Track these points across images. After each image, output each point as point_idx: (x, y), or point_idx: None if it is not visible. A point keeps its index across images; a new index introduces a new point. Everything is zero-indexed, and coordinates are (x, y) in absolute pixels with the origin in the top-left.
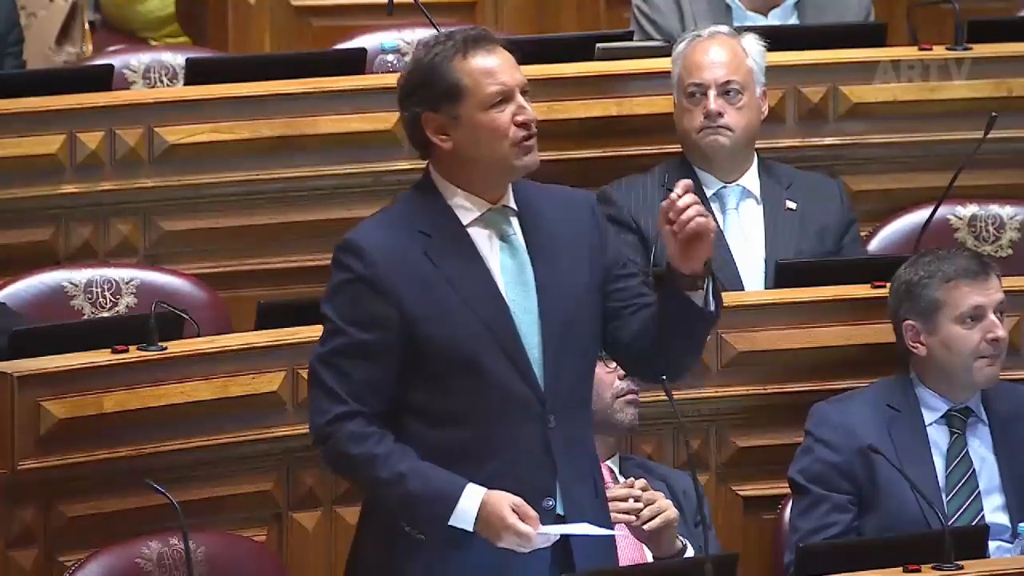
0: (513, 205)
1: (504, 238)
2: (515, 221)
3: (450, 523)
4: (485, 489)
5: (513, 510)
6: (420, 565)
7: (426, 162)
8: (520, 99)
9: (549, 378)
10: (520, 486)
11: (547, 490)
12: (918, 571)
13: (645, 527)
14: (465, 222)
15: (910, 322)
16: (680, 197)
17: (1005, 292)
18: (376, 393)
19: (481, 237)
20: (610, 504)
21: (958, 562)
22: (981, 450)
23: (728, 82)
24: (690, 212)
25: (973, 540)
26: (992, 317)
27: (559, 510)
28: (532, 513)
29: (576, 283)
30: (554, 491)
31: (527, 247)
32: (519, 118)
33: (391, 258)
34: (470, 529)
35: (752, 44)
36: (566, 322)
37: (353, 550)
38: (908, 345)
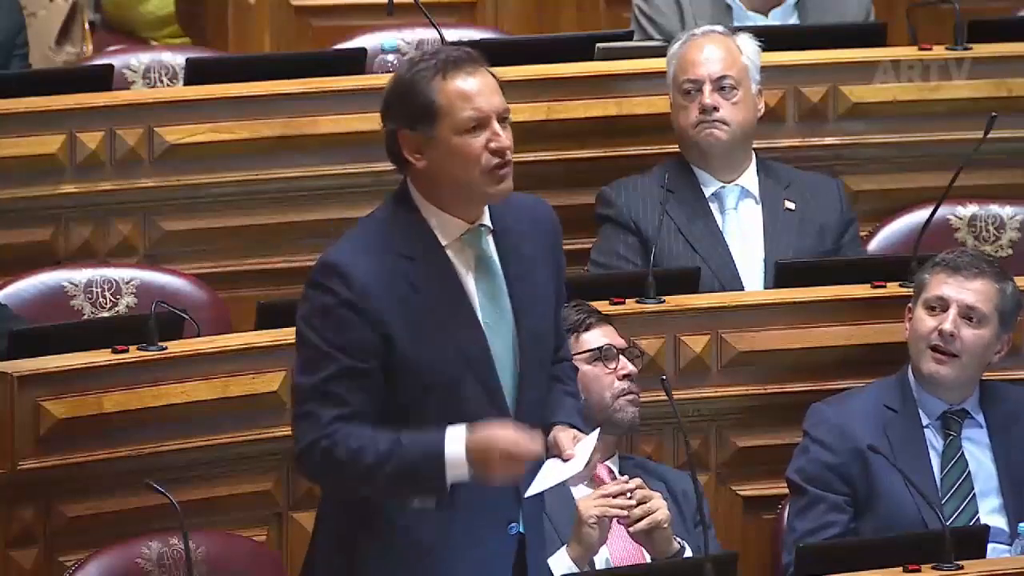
0: (489, 223)
1: (481, 259)
2: (490, 240)
3: (449, 483)
4: (464, 434)
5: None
6: None
7: (404, 175)
8: (496, 126)
9: (518, 404)
10: (485, 513)
11: (512, 515)
12: (918, 571)
13: (632, 528)
14: (444, 243)
15: (910, 304)
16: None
17: None
18: (362, 416)
19: (459, 259)
20: (602, 500)
21: (958, 562)
22: (977, 452)
23: (723, 77)
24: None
25: (973, 540)
26: (951, 311)
27: (521, 530)
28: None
29: (545, 306)
30: (518, 515)
31: (502, 265)
32: (492, 145)
33: (375, 283)
34: (467, 478)
35: (747, 43)
36: (536, 347)
37: (307, 563)
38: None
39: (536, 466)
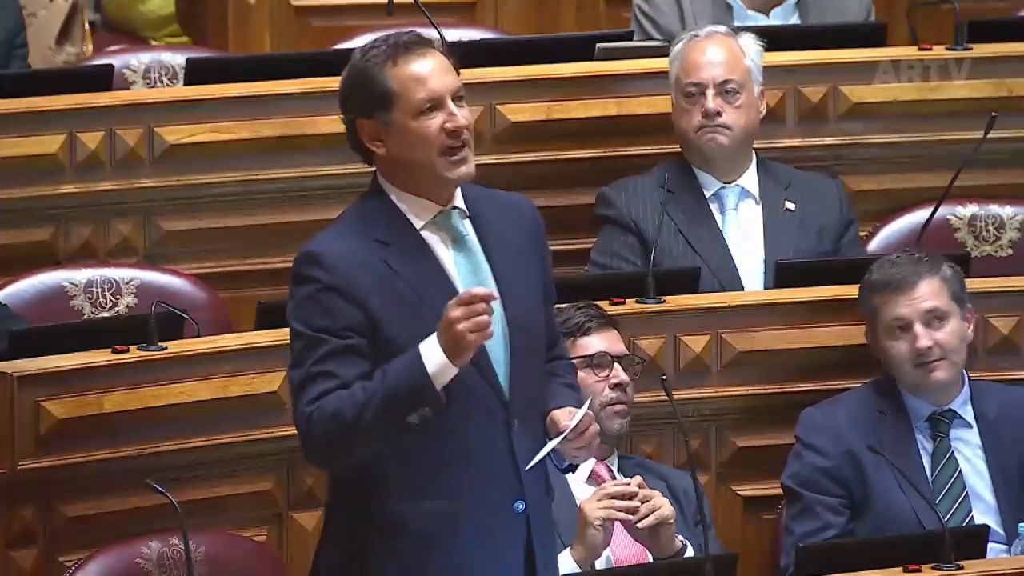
0: (463, 207)
1: (458, 240)
2: (467, 222)
3: (437, 386)
4: (432, 337)
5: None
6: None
7: (373, 170)
8: (451, 106)
9: (513, 382)
10: (488, 492)
11: (515, 494)
12: (918, 571)
13: (639, 525)
14: (418, 226)
15: (867, 333)
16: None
17: (1005, 292)
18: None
19: (435, 240)
20: (607, 502)
21: (958, 562)
22: (968, 452)
23: (726, 81)
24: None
25: (972, 540)
26: (917, 328)
27: (525, 510)
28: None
29: (531, 284)
30: (521, 494)
31: (482, 248)
32: (448, 125)
33: (352, 265)
34: (454, 370)
35: (749, 43)
36: (526, 323)
37: (315, 562)
38: (873, 352)
39: (538, 445)
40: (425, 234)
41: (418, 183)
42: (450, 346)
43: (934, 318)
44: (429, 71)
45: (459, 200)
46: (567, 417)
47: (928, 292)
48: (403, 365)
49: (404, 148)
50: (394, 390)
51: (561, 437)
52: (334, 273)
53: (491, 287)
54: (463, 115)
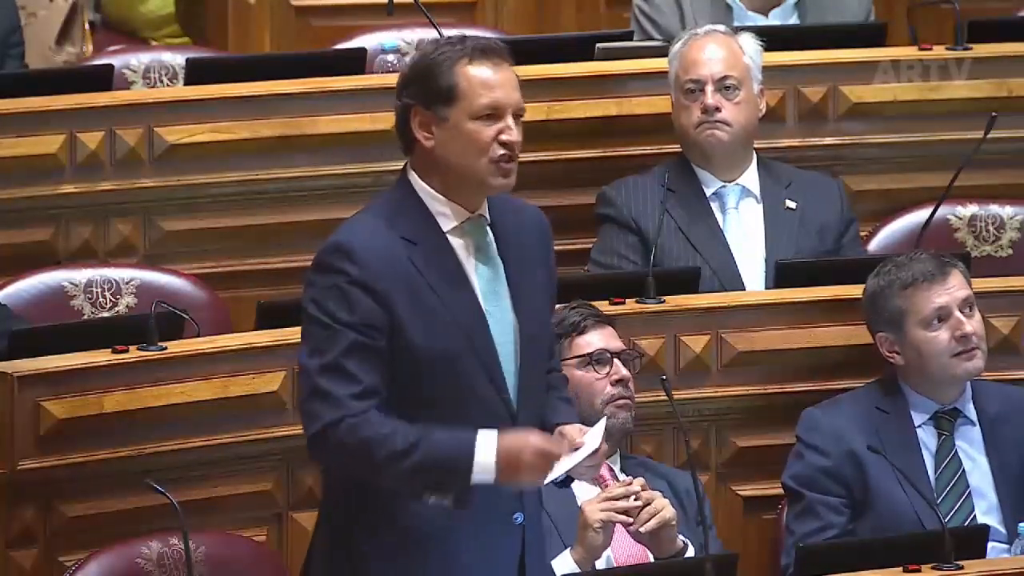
0: (487, 215)
1: (480, 248)
2: (489, 231)
3: (473, 480)
4: (495, 435)
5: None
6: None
7: (404, 163)
8: (509, 120)
9: (520, 392)
10: (489, 501)
11: (515, 504)
12: (918, 571)
13: (641, 529)
14: (445, 229)
15: (882, 334)
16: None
17: (1005, 292)
18: (375, 394)
19: (460, 246)
20: (608, 504)
21: (958, 562)
22: (971, 451)
23: (725, 77)
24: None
25: (973, 540)
26: (957, 314)
27: (523, 522)
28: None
29: (542, 297)
30: (521, 505)
31: (501, 258)
32: (503, 137)
33: (381, 262)
34: (491, 481)
35: (749, 42)
36: (535, 335)
37: (307, 561)
38: (885, 356)
39: None
40: (451, 239)
41: (454, 185)
42: (506, 471)
43: (968, 306)
44: (499, 81)
45: (485, 208)
46: (579, 434)
47: (959, 282)
48: (454, 448)
49: (452, 146)
50: (433, 465)
51: (584, 456)
52: (364, 268)
53: (506, 298)
54: (518, 133)
